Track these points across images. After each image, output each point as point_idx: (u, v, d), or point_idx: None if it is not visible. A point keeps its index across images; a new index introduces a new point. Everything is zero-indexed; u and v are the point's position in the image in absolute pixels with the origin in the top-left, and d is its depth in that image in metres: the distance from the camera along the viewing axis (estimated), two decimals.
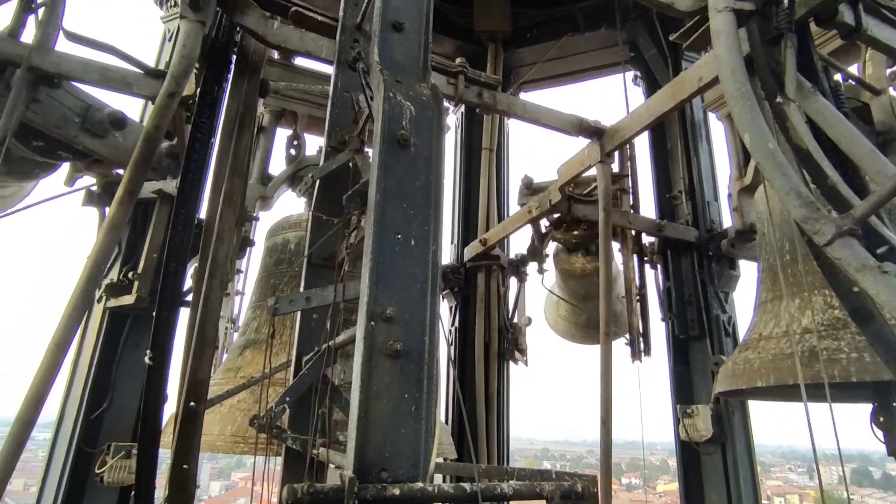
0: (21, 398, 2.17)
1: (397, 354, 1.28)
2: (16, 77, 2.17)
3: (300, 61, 5.00)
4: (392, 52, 1.74)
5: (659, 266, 4.74)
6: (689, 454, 4.26)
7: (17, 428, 2.25)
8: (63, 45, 2.70)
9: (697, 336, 4.33)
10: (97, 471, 3.63)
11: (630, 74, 5.42)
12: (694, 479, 4.21)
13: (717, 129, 4.82)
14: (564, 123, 3.47)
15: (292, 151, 4.76)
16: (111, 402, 3.82)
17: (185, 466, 2.70)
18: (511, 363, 5.48)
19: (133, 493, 2.87)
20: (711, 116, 4.83)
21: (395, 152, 1.47)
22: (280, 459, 2.39)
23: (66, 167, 3.22)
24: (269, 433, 1.72)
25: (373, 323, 1.29)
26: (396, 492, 1.14)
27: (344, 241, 2.18)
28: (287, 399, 1.66)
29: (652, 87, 4.99)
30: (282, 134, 4.99)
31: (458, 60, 2.98)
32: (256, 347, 3.91)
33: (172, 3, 4.77)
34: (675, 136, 4.89)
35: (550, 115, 3.40)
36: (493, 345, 5.26)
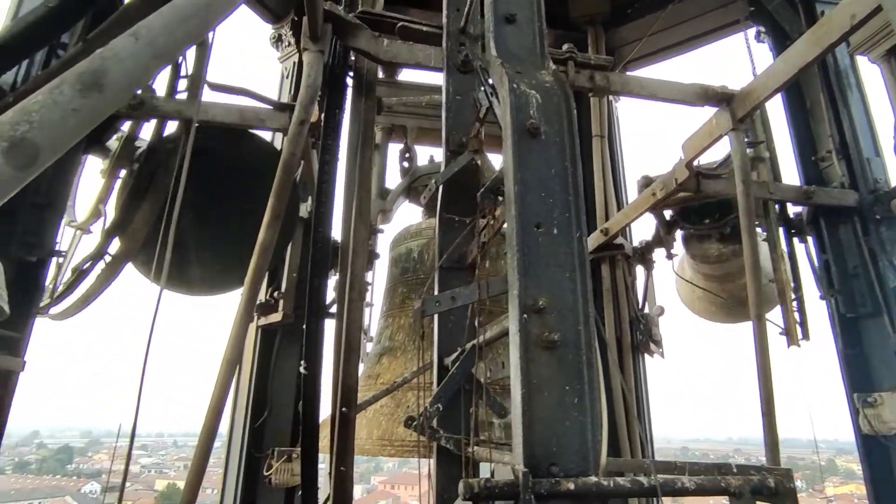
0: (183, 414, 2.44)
1: (553, 345, 1.25)
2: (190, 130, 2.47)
3: (404, 76, 5.20)
4: (508, 45, 1.73)
5: (810, 238, 4.22)
6: (875, 450, 3.71)
7: (203, 437, 2.54)
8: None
9: (871, 313, 3.77)
10: (265, 473, 4.02)
11: (751, 32, 4.92)
12: (884, 478, 3.66)
13: (870, 75, 4.20)
14: (686, 94, 3.22)
15: (405, 164, 4.94)
16: (271, 410, 4.21)
17: (342, 468, 2.88)
18: (646, 356, 5.18)
19: (300, 493, 3.13)
20: (860, 61, 4.22)
21: (527, 142, 1.45)
22: (419, 460, 2.46)
23: None
24: (427, 435, 1.77)
25: (525, 315, 1.27)
26: (571, 486, 1.11)
27: (475, 239, 2.19)
28: (441, 399, 1.70)
29: (780, 40, 4.48)
30: (393, 148, 5.22)
31: (565, 47, 2.90)
32: (392, 354, 4.08)
33: (287, 44, 5.19)
34: (815, 90, 4.33)
35: (670, 88, 3.18)
36: (624, 338, 5.01)
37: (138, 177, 3.01)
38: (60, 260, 2.91)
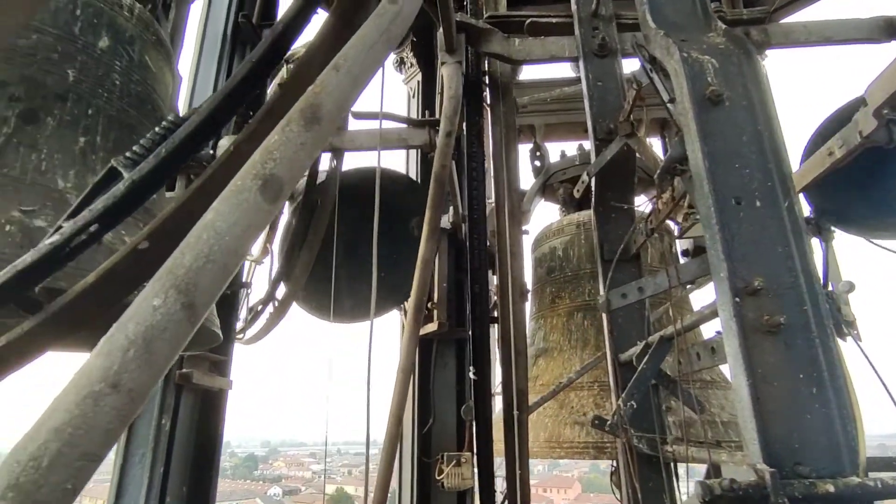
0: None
1: (777, 329, 1.11)
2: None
3: (525, 75, 5.15)
4: (666, 14, 1.61)
5: None
6: None
7: (387, 444, 2.69)
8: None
9: None
10: (437, 478, 4.17)
11: None
12: None
13: None
14: (866, 30, 2.76)
15: (537, 163, 4.87)
16: (435, 417, 4.37)
17: (518, 471, 2.88)
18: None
19: (472, 496, 3.19)
20: None
21: (708, 111, 1.32)
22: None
23: None
24: (624, 435, 1.68)
25: (738, 299, 1.15)
26: (830, 488, 0.97)
27: (639, 227, 2.07)
28: (634, 396, 1.61)
29: None
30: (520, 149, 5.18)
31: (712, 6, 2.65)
32: (548, 355, 4.02)
33: (409, 65, 5.42)
34: None
35: (845, 27, 2.75)
36: None
37: (299, 219, 3.30)
38: (248, 291, 3.29)
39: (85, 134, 1.93)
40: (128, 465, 2.85)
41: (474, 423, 3.07)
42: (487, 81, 2.77)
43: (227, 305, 3.29)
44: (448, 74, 2.38)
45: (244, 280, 3.23)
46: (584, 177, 2.33)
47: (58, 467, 0.55)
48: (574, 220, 4.29)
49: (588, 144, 4.98)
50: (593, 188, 2.36)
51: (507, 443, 2.67)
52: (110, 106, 2.05)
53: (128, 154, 1.18)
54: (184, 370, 2.83)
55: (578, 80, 4.90)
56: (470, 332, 2.61)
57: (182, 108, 3.28)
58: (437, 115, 4.13)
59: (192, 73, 3.37)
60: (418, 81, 5.19)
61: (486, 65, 2.79)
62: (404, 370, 2.62)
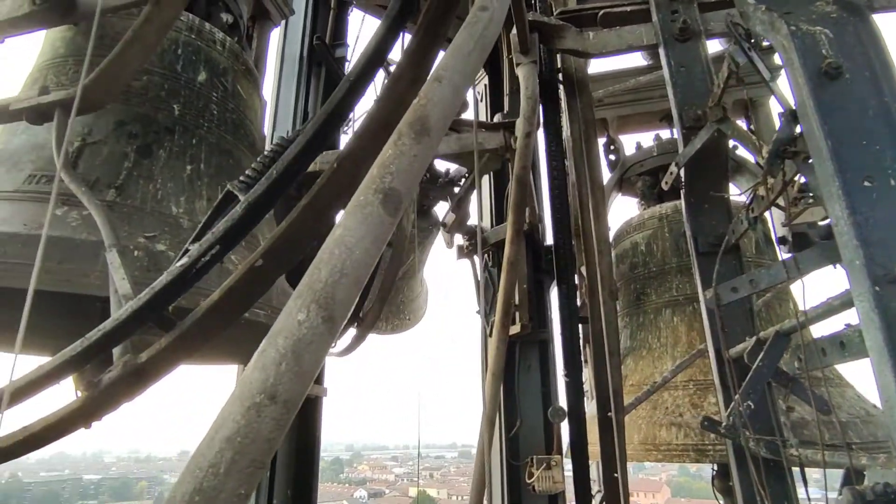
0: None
1: None
2: None
3: (593, 68, 5.02)
4: None
5: None
6: None
7: (481, 446, 2.70)
8: None
9: None
10: (528, 481, 4.12)
11: None
12: None
13: None
14: None
15: (612, 157, 4.72)
16: (521, 419, 4.33)
17: (615, 475, 2.79)
18: None
19: (574, 500, 3.12)
20: None
21: (825, 87, 1.23)
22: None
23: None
24: (743, 438, 1.59)
25: (877, 288, 1.05)
26: None
27: (739, 215, 1.95)
28: (750, 396, 1.51)
29: None
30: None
31: None
32: (636, 354, 3.87)
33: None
34: None
35: None
36: None
37: None
38: None
39: (191, 162, 2.08)
40: None
41: (561, 426, 3.02)
42: (562, 79, 2.72)
43: None
44: (524, 75, 2.36)
45: None
46: (673, 167, 2.22)
47: (233, 474, 0.59)
48: (656, 214, 4.12)
49: (666, 134, 4.79)
50: (683, 179, 2.26)
51: (603, 446, 2.60)
52: (210, 134, 2.20)
53: (241, 178, 1.26)
54: None
55: (652, 68, 4.72)
56: (559, 334, 2.57)
57: (266, 129, 3.47)
58: (505, 117, 4.11)
59: (273, 95, 3.56)
60: (485, 85, 5.19)
61: (560, 62, 2.74)
62: (494, 374, 2.61)
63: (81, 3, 1.93)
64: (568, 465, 3.88)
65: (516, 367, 4.40)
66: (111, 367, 1.34)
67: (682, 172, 2.26)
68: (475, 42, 1.07)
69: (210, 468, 0.58)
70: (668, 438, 3.35)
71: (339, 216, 0.85)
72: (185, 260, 1.20)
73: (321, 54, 3.61)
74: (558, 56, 2.85)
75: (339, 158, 1.23)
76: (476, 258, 4.59)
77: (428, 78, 0.99)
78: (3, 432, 1.39)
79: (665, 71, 2.39)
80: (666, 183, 2.23)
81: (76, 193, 1.59)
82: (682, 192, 2.26)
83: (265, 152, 1.28)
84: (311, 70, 3.60)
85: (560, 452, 4.14)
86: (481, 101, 5.28)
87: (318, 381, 3.33)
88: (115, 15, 1.97)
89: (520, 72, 2.40)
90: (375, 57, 1.28)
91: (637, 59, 5.12)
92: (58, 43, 2.11)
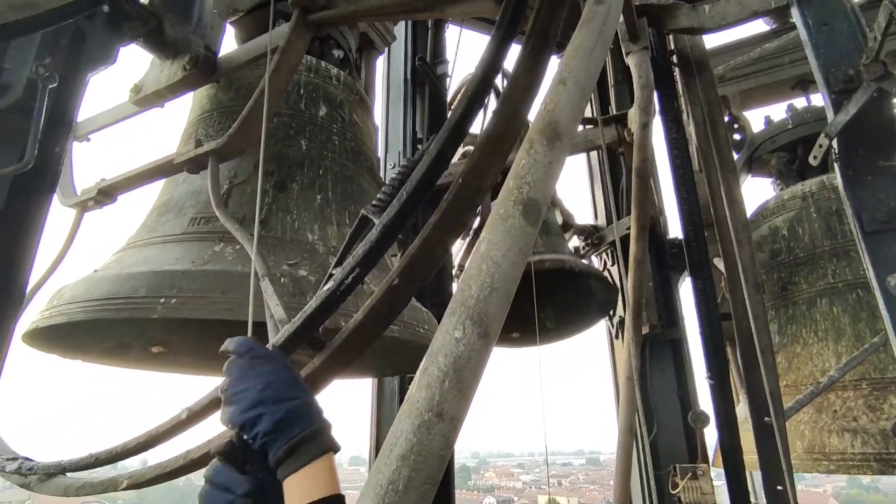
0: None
1: None
2: None
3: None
4: None
5: None
6: None
7: (621, 454, 2.58)
8: None
9: None
10: (672, 491, 3.86)
11: None
12: None
13: None
14: None
15: (737, 136, 4.33)
16: (659, 425, 4.07)
17: (778, 487, 2.51)
18: None
19: None
20: None
21: None
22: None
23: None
24: None
25: None
26: None
27: None
28: None
29: None
30: None
31: None
32: (788, 351, 3.48)
33: None
34: None
35: None
36: None
37: None
38: None
39: (320, 191, 2.24)
40: None
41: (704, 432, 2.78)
42: (677, 61, 2.55)
43: None
44: (636, 63, 2.24)
45: None
46: (822, 139, 1.97)
47: (411, 490, 0.61)
48: (798, 193, 3.70)
49: (801, 102, 4.29)
50: (836, 151, 2.00)
51: (762, 454, 2.36)
52: (334, 163, 2.36)
53: (373, 202, 1.33)
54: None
55: (776, 32, 4.27)
56: (697, 332, 2.39)
57: (380, 152, 3.64)
58: (612, 110, 3.94)
59: (382, 118, 3.73)
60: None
61: (673, 43, 2.57)
62: (629, 377, 2.50)
63: (221, 63, 2.17)
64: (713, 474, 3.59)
65: (648, 369, 4.16)
66: None
67: (834, 143, 2.00)
68: (596, 38, 1.03)
69: (390, 485, 0.61)
70: (840, 446, 2.96)
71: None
72: (330, 284, 1.29)
73: (423, 74, 3.72)
74: (669, 38, 2.68)
75: (463, 173, 1.24)
76: (594, 258, 4.44)
77: (552, 82, 0.97)
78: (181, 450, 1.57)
79: (802, 32, 2.15)
80: (815, 157, 1.99)
81: (230, 230, 1.78)
82: (837, 165, 2.00)
83: (393, 175, 1.34)
84: (416, 90, 3.72)
85: (706, 461, 3.83)
86: None
87: None
88: (247, 68, 2.19)
89: (630, 60, 2.28)
90: (490, 69, 1.28)
91: (754, 27, 4.67)
92: (203, 100, 2.39)
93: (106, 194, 2.29)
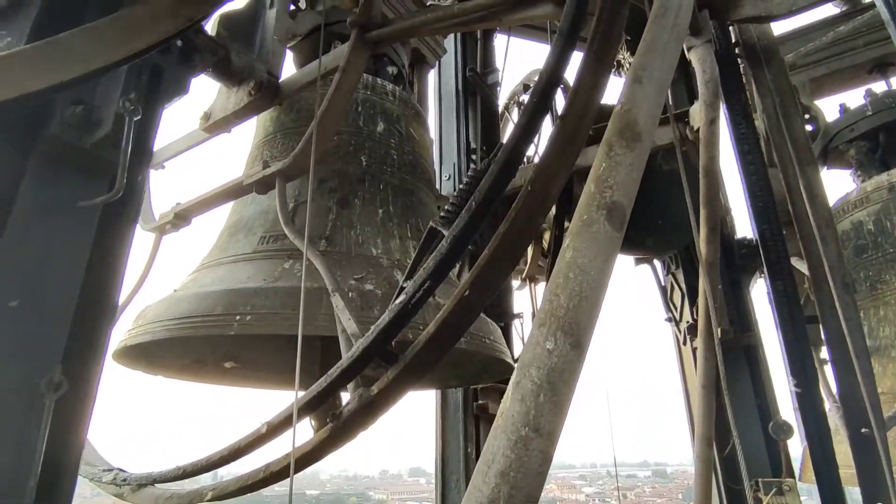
0: None
1: None
2: None
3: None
4: None
5: None
6: None
7: (701, 468, 2.45)
8: None
9: None
10: None
11: None
12: None
13: None
14: None
15: (808, 127, 4.08)
16: (736, 437, 3.84)
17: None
18: None
19: None
20: None
21: None
22: None
23: None
24: None
25: None
26: None
27: None
28: None
29: None
30: None
31: None
32: (882, 355, 3.22)
33: (628, 65, 5.16)
34: None
35: None
36: None
37: (558, 247, 3.33)
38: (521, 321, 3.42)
39: (381, 206, 2.27)
40: (446, 490, 3.16)
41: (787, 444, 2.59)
42: (743, 52, 2.43)
43: (504, 337, 3.46)
44: (699, 58, 2.15)
45: (515, 311, 3.37)
46: None
47: None
48: (884, 183, 3.43)
49: (880, 87, 3.99)
50: None
51: (860, 468, 2.17)
52: (393, 177, 2.39)
53: (441, 214, 1.33)
54: (479, 402, 3.05)
55: (847, 15, 4.01)
56: (777, 338, 2.24)
57: (435, 163, 3.66)
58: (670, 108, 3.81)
59: (436, 131, 3.76)
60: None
61: (738, 34, 2.46)
62: (705, 386, 2.38)
63: (283, 87, 2.25)
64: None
65: (723, 378, 3.95)
66: (345, 401, 1.50)
67: None
68: (669, 33, 0.99)
69: None
70: None
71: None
72: (402, 297, 1.30)
73: (475, 84, 3.73)
74: (731, 29, 2.56)
75: (531, 181, 1.22)
76: (657, 262, 4.28)
77: (626, 81, 0.94)
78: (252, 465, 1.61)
79: (883, 11, 2.00)
80: None
81: (299, 247, 1.83)
82: None
83: (461, 186, 1.34)
84: (468, 101, 3.73)
85: (791, 475, 3.59)
86: None
87: None
88: (308, 90, 2.26)
89: (693, 55, 2.19)
90: (554, 74, 1.26)
91: (822, 12, 4.41)
92: (267, 123, 2.48)
93: (181, 218, 2.41)
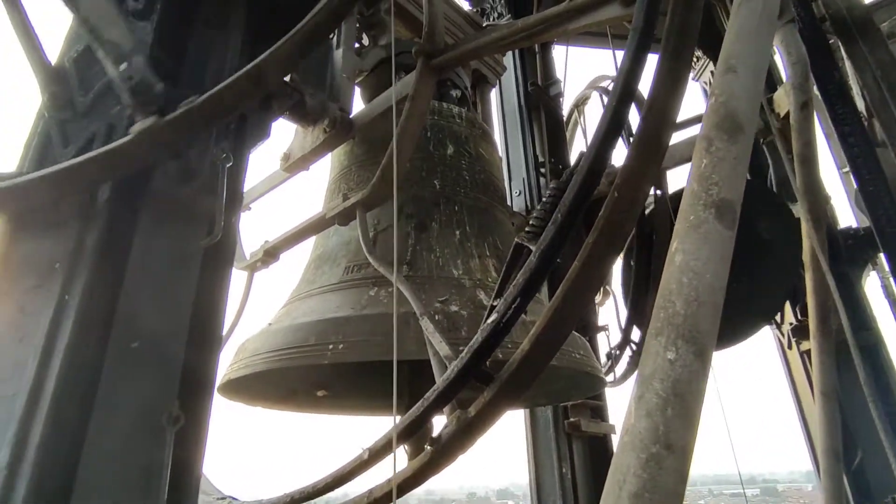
0: None
1: None
2: None
3: None
4: None
5: None
6: None
7: (828, 483, 2.22)
8: None
9: None
10: None
11: None
12: None
13: None
14: None
15: None
16: (863, 449, 3.46)
17: None
18: None
19: None
20: None
21: None
22: None
23: None
24: None
25: None
26: None
27: None
28: None
29: None
30: None
31: None
32: None
33: (696, 59, 4.96)
34: None
35: None
36: None
37: (637, 257, 3.18)
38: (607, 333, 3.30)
39: (457, 227, 2.29)
40: None
41: None
42: (831, 27, 2.25)
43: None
44: (782, 39, 2.01)
45: (600, 324, 3.26)
46: None
47: None
48: None
49: None
50: None
51: None
52: (467, 198, 2.40)
53: (527, 229, 1.31)
54: (571, 419, 2.95)
55: None
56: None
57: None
58: None
59: (503, 148, 3.76)
60: (711, 72, 4.69)
61: (824, 8, 2.28)
62: (825, 393, 2.18)
63: (355, 121, 2.34)
64: None
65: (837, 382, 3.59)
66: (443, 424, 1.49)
67: None
68: (759, 17, 0.93)
69: None
70: None
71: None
72: (494, 316, 1.28)
73: (537, 98, 3.71)
74: (814, 5, 2.39)
75: (616, 186, 1.18)
76: None
77: (717, 72, 0.89)
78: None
79: None
80: None
81: (385, 274, 1.87)
82: None
83: (544, 199, 1.31)
84: (531, 115, 3.72)
85: None
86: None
87: (604, 417, 3.21)
88: (379, 121, 2.33)
89: (776, 37, 2.06)
90: (631, 77, 1.22)
91: None
92: (342, 157, 2.58)
93: (270, 255, 2.54)
